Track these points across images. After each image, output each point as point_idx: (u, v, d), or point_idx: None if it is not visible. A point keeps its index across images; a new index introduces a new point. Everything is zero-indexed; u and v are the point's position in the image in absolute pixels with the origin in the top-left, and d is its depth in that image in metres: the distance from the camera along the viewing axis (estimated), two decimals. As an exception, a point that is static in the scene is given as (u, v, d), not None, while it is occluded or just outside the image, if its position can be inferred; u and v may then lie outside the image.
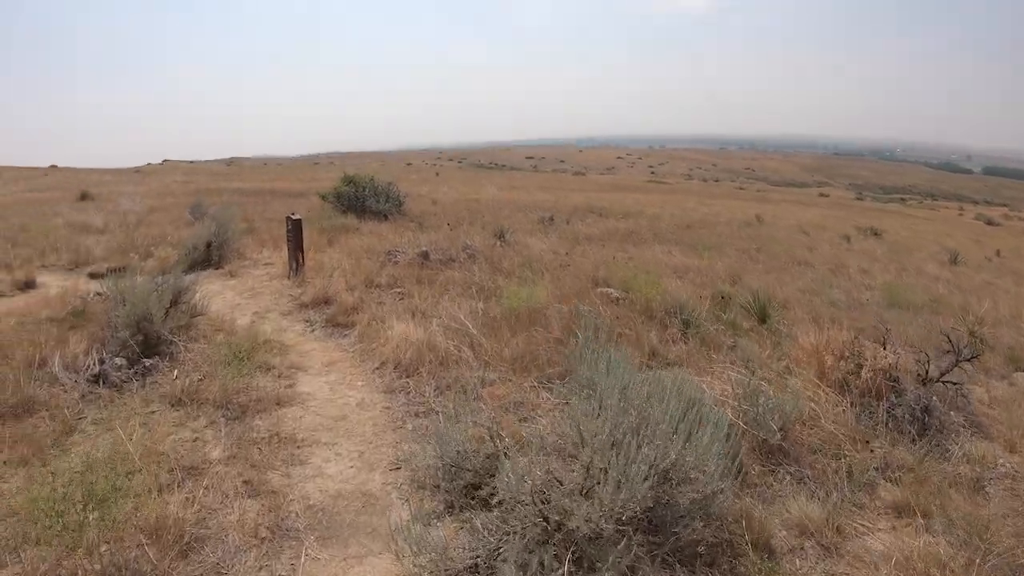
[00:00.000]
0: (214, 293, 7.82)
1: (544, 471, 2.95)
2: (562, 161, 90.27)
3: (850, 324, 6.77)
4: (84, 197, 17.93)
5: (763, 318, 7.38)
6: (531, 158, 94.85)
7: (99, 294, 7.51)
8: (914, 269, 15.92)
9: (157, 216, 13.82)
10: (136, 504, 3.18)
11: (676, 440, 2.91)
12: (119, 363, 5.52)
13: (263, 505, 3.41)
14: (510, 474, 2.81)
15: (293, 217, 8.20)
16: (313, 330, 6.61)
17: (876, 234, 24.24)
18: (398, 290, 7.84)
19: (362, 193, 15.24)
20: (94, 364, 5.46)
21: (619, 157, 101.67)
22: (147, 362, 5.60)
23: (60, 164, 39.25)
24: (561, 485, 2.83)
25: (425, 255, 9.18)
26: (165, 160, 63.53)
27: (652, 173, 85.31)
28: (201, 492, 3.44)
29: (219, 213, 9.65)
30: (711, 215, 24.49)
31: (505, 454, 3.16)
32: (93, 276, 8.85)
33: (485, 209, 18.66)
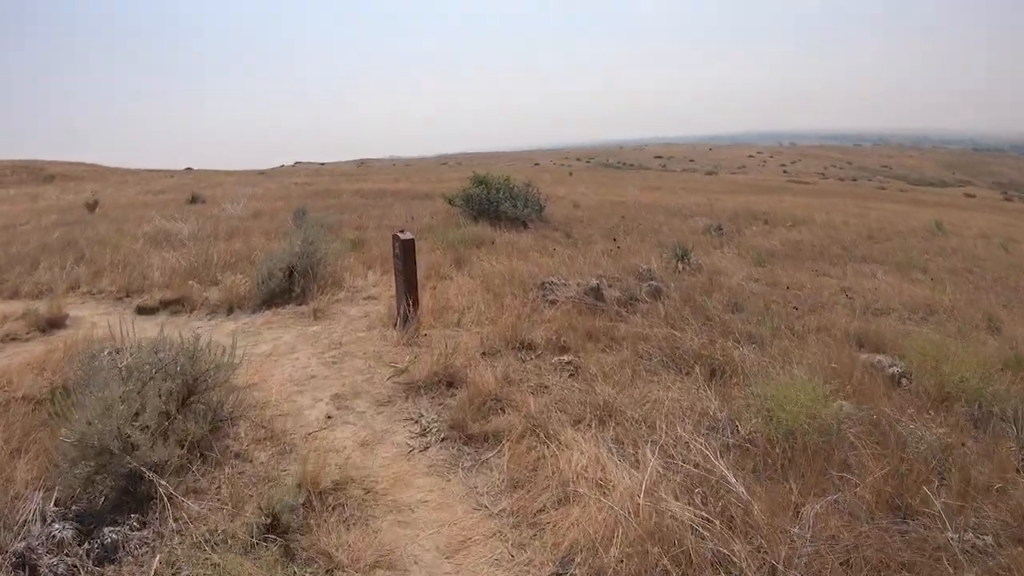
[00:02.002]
0: (282, 351, 5.05)
1: None
2: (691, 160, 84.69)
3: None
4: (193, 200, 16.25)
5: None
6: (660, 157, 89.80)
7: (117, 351, 4.93)
8: None
9: (257, 223, 11.52)
10: None
11: None
12: (61, 536, 2.80)
13: None
14: None
15: (402, 237, 5.26)
16: (426, 447, 3.58)
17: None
18: (565, 359, 4.71)
19: (496, 196, 12.32)
20: (27, 527, 2.82)
21: (750, 156, 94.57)
22: (109, 534, 2.80)
23: (195, 167, 39.70)
24: None
25: (596, 292, 6.01)
26: (297, 162, 64.48)
27: (785, 172, 78.33)
28: None
29: (311, 225, 6.93)
30: (884, 222, 19.68)
31: None
32: (142, 311, 6.38)
33: (635, 214, 15.28)
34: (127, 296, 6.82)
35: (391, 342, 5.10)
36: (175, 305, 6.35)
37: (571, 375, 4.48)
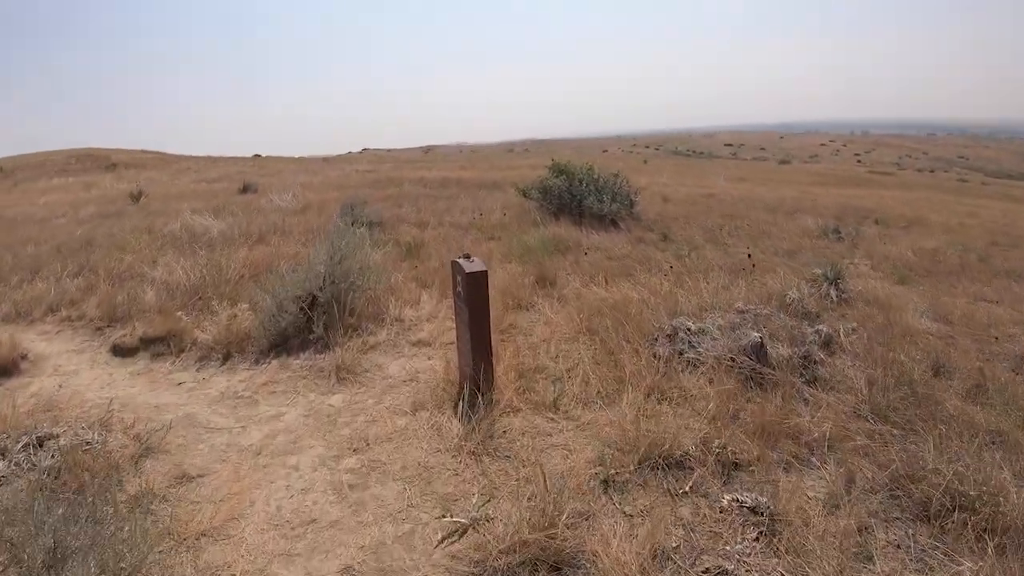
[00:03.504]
0: (279, 445, 3.15)
1: None
2: (763, 148, 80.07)
3: None
4: (244, 190, 14.74)
5: None
6: (730, 145, 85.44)
7: (39, 444, 3.16)
8: None
9: (301, 219, 9.74)
10: None
11: None
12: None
13: None
14: None
15: (468, 268, 3.23)
16: None
17: None
18: (742, 498, 2.65)
19: (579, 189, 10.25)
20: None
21: (822, 144, 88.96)
22: None
23: (265, 154, 38.81)
24: None
25: (758, 350, 3.91)
26: (364, 149, 63.44)
27: (859, 161, 73.29)
28: None
29: (343, 234, 4.97)
30: (1000, 223, 16.58)
31: None
32: (118, 351, 4.62)
33: (732, 209, 12.92)
34: (110, 325, 5.09)
35: (449, 444, 3.11)
36: (159, 344, 4.56)
37: (761, 536, 2.44)
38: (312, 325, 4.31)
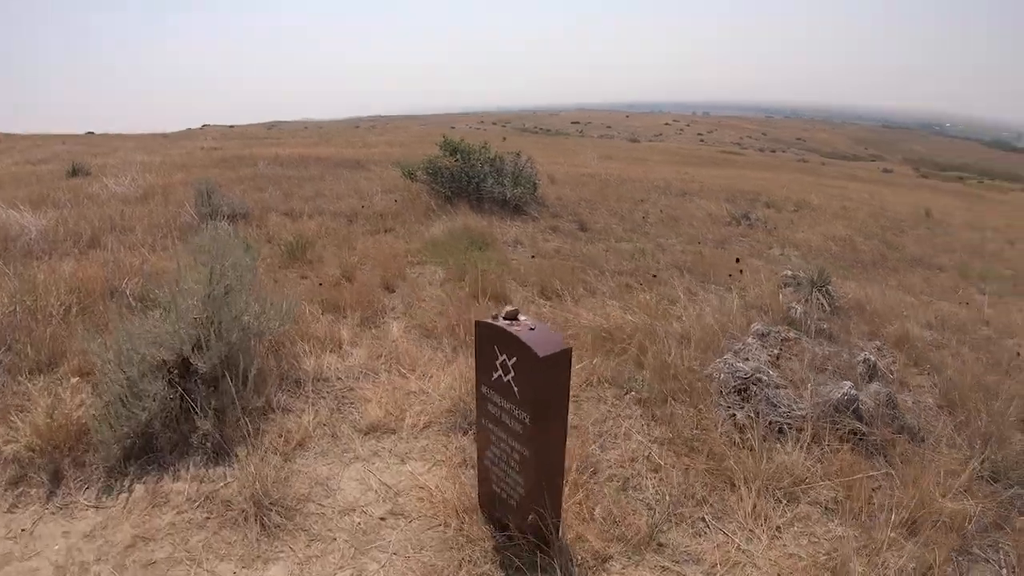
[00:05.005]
0: None
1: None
2: (609, 127, 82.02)
3: None
4: (75, 172, 11.68)
5: None
6: (576, 123, 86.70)
7: None
8: None
9: (147, 210, 7.38)
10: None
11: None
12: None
13: None
14: None
15: (536, 345, 1.69)
16: None
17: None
18: None
19: (478, 171, 8.84)
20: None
21: (666, 124, 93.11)
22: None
23: (99, 131, 33.08)
24: None
25: (851, 405, 2.77)
26: (204, 125, 57.13)
27: (702, 140, 77.64)
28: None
29: (226, 242, 3.15)
30: (874, 207, 17.37)
31: None
32: None
33: (626, 192, 12.23)
34: None
35: None
36: None
37: None
38: (194, 412, 2.56)
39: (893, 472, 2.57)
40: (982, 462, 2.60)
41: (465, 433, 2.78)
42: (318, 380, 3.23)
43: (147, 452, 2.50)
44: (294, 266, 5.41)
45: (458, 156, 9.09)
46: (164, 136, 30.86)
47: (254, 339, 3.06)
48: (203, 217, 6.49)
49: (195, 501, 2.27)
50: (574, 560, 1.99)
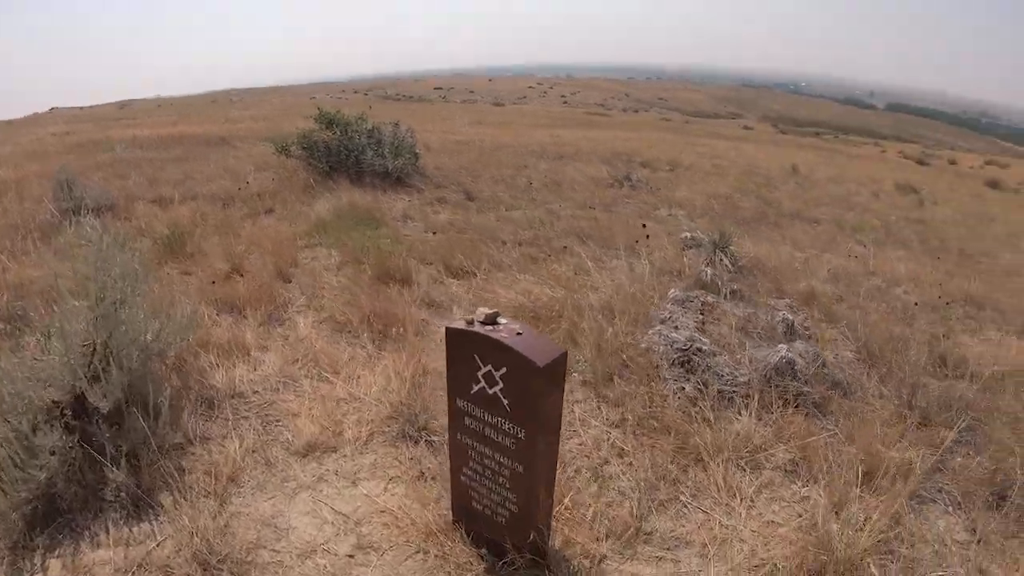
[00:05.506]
0: None
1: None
2: (471, 91, 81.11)
3: None
4: None
5: None
6: (440, 88, 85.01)
7: None
8: None
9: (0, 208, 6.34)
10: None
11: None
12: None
13: None
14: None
15: (531, 353, 1.50)
16: None
17: (915, 191, 18.41)
18: None
19: (355, 142, 8.42)
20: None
21: (530, 87, 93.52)
22: None
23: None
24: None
25: (789, 367, 2.89)
26: (53, 108, 50.45)
27: (565, 102, 78.75)
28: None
29: (102, 245, 2.66)
30: (738, 162, 18.40)
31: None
32: None
33: (503, 158, 12.26)
34: None
35: None
36: None
37: None
38: (101, 461, 2.14)
39: (836, 429, 2.69)
40: (912, 410, 2.78)
41: (416, 442, 2.56)
42: (233, 397, 2.87)
43: (54, 516, 2.07)
44: (174, 261, 4.84)
45: (335, 128, 8.59)
46: (8, 123, 26.91)
47: (156, 360, 2.63)
48: (64, 213, 5.67)
49: (126, 572, 1.89)
50: (571, 567, 1.88)
